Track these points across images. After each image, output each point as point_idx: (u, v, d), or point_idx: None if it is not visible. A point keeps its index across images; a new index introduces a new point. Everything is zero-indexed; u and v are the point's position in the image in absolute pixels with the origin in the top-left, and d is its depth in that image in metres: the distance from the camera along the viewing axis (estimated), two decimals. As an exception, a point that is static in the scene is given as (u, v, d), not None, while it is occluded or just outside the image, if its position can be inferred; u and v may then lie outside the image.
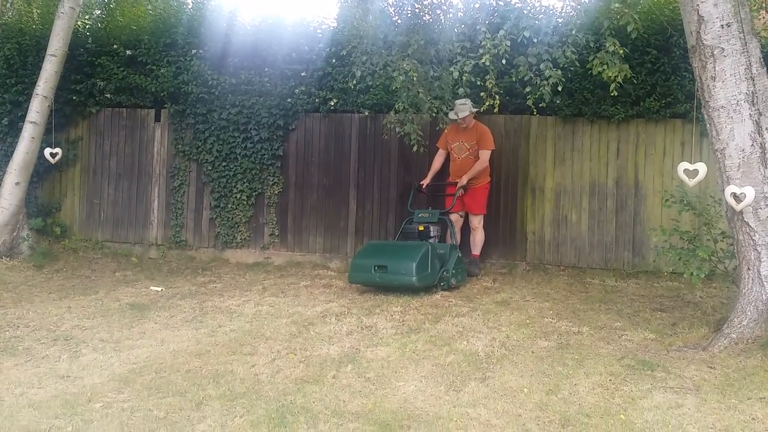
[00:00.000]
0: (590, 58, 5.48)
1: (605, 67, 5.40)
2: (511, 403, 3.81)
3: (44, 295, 6.73)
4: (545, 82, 5.59)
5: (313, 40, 8.28)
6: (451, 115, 7.12)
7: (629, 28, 5.24)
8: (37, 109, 8.17)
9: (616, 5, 5.30)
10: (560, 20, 5.69)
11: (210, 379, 4.20)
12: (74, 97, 8.92)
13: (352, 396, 3.94)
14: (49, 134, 8.44)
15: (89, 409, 3.75)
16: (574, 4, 5.77)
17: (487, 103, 6.16)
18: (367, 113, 8.15)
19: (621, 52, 5.36)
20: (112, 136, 9.06)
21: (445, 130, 7.36)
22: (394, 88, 6.50)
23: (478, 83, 5.94)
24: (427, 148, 7.50)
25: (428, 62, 6.36)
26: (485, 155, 7.31)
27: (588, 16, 5.68)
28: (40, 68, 8.26)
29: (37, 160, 8.41)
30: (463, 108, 7.08)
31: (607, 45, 5.33)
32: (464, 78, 5.65)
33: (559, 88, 5.69)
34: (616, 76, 5.47)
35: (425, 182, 7.42)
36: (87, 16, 9.76)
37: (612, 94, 5.83)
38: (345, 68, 7.81)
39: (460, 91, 5.97)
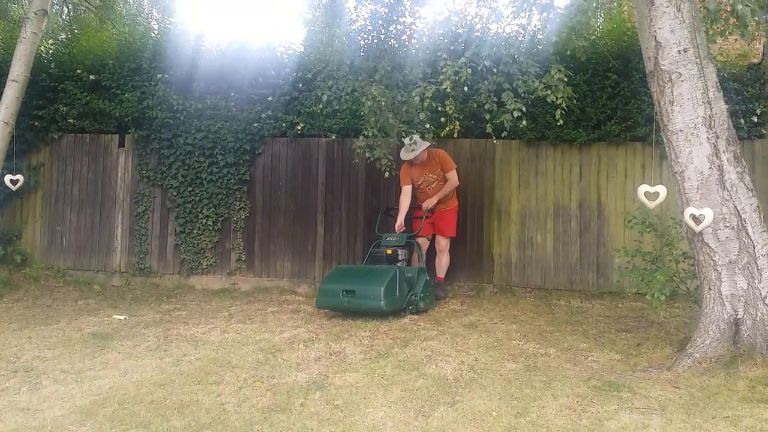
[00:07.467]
0: (535, 83, 5.51)
1: (549, 91, 5.47)
2: (480, 428, 3.80)
3: (4, 325, 6.55)
4: (504, 110, 5.67)
5: (279, 65, 8.30)
6: (406, 156, 7.09)
7: (577, 53, 5.34)
8: (-3, 136, 8.02)
9: (563, 33, 5.42)
10: (522, 47, 5.77)
11: (174, 410, 4.12)
12: (36, 123, 8.80)
13: (321, 424, 3.90)
14: (10, 161, 8.25)
15: (49, 444, 3.65)
16: (532, 32, 5.87)
17: (448, 128, 6.21)
18: (334, 137, 8.17)
19: (564, 78, 5.43)
20: (74, 162, 8.95)
21: (403, 168, 7.31)
22: (362, 113, 6.53)
23: (439, 109, 6.00)
24: (396, 171, 7.48)
25: (395, 87, 6.41)
26: (453, 176, 7.37)
27: (545, 44, 5.79)
28: (0, 94, 8.12)
29: (-3, 187, 8.26)
30: (416, 147, 7.06)
31: (551, 71, 5.39)
32: (425, 103, 5.71)
33: (524, 122, 5.79)
34: (561, 100, 5.53)
35: (399, 225, 7.22)
36: (50, 41, 9.64)
37: (558, 122, 5.92)
38: (312, 93, 7.84)
39: (422, 115, 6.01)
